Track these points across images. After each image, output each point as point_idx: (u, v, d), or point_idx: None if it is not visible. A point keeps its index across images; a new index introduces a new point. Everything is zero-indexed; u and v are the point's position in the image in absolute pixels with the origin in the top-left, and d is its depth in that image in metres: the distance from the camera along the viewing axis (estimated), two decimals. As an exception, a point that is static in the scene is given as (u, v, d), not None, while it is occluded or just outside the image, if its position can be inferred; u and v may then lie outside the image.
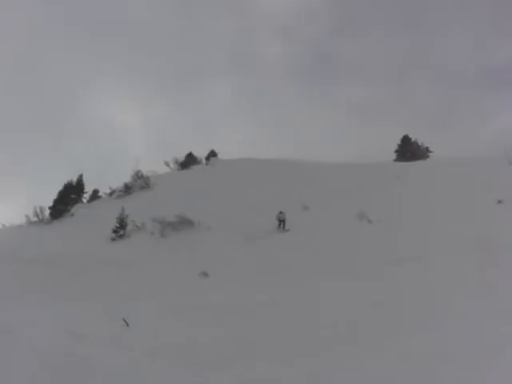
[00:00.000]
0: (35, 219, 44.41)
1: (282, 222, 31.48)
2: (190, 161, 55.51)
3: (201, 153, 58.73)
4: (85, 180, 51.43)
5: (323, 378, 8.04)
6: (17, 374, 7.87)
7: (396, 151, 60.20)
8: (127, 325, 12.56)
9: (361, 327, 10.88)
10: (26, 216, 44.52)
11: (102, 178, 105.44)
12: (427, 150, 59.70)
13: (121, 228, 33.11)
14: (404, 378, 7.51)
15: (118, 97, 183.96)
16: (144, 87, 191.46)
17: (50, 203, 46.90)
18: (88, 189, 52.35)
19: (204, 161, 56.66)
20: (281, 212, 31.57)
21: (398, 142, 60.96)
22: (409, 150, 58.73)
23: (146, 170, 47.60)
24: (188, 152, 57.40)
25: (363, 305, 12.96)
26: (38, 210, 44.91)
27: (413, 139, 60.57)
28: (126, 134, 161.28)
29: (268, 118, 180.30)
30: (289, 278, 19.70)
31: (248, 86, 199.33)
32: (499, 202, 25.68)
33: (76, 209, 45.76)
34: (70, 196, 48.36)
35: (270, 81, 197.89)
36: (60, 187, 49.07)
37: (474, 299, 11.72)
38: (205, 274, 22.32)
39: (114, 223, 33.05)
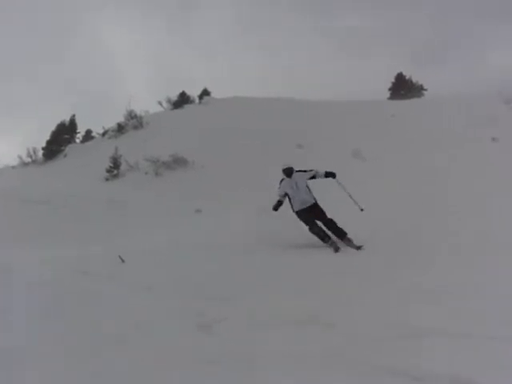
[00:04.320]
0: (29, 160, 44.41)
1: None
2: (183, 100, 55.26)
3: (194, 91, 58.54)
4: (77, 120, 51.34)
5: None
6: (17, 304, 8.02)
7: (390, 89, 60.08)
8: (123, 261, 12.69)
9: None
10: (19, 157, 44.57)
11: (95, 118, 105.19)
12: (422, 87, 59.61)
13: (115, 168, 33.06)
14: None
15: (115, 30, 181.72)
16: (143, 17, 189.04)
17: (43, 144, 46.90)
18: (81, 129, 52.32)
19: (197, 99, 56.38)
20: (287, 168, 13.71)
21: (392, 79, 60.84)
22: (403, 88, 58.64)
23: (139, 109, 47.40)
24: (181, 91, 57.16)
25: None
26: (32, 151, 44.89)
27: (407, 77, 60.41)
28: (120, 68, 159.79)
29: (263, 53, 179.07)
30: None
31: (244, 19, 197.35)
32: (493, 139, 25.74)
33: (69, 149, 45.71)
34: (63, 136, 48.29)
35: (267, 14, 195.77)
36: (52, 127, 49.01)
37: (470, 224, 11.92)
38: (199, 211, 22.46)
39: (107, 163, 33.03)
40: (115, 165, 33.09)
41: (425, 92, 58.88)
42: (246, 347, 5.96)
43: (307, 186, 13.49)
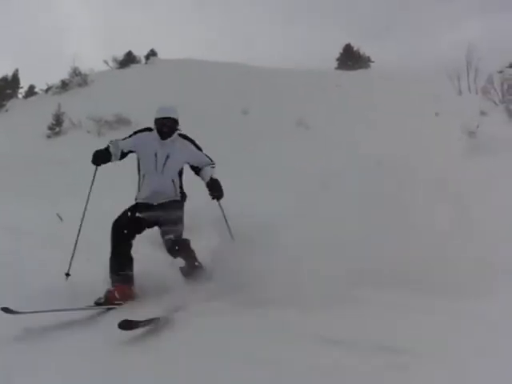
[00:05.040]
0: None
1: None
2: (129, 59, 54.43)
3: (141, 52, 57.67)
4: (21, 75, 50.31)
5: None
6: None
7: (337, 59, 60.35)
8: (61, 219, 12.63)
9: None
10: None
11: (39, 74, 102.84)
12: (369, 59, 60.08)
13: (57, 125, 32.61)
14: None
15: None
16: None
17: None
18: (24, 84, 51.25)
19: (144, 60, 55.66)
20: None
21: (340, 49, 61.14)
22: (351, 59, 58.99)
23: (84, 66, 46.56)
24: (127, 50, 56.30)
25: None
26: (-28, 104, 44.01)
27: (355, 48, 60.77)
28: (67, 24, 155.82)
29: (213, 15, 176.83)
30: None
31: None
32: (436, 114, 26.21)
33: (11, 104, 44.79)
34: (5, 91, 47.26)
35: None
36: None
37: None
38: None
39: (50, 120, 32.51)
40: (57, 122, 32.63)
41: (372, 64, 59.42)
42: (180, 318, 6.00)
43: (181, 174, 7.10)
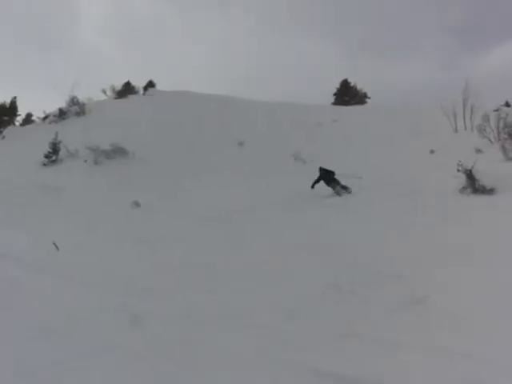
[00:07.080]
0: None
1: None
2: (127, 90, 54.79)
3: (139, 82, 58.21)
4: (18, 102, 50.51)
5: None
6: None
7: (334, 94, 60.84)
8: (57, 249, 12.51)
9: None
10: (-46, 137, 43.61)
11: (37, 102, 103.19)
12: (365, 95, 60.64)
13: (53, 153, 32.51)
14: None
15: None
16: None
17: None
18: (21, 112, 51.43)
19: (142, 91, 56.01)
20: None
21: (337, 85, 61.68)
22: (347, 95, 59.56)
23: (82, 96, 46.70)
24: (126, 81, 56.78)
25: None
26: (-32, 131, 43.96)
27: (352, 84, 61.34)
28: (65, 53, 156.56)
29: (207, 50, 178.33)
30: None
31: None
32: (431, 151, 26.24)
33: (8, 131, 44.78)
34: (2, 118, 47.34)
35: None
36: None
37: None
38: (137, 204, 22.28)
39: (46, 148, 32.45)
40: (54, 151, 32.54)
41: (368, 100, 60.01)
42: (180, 345, 5.98)
43: None
